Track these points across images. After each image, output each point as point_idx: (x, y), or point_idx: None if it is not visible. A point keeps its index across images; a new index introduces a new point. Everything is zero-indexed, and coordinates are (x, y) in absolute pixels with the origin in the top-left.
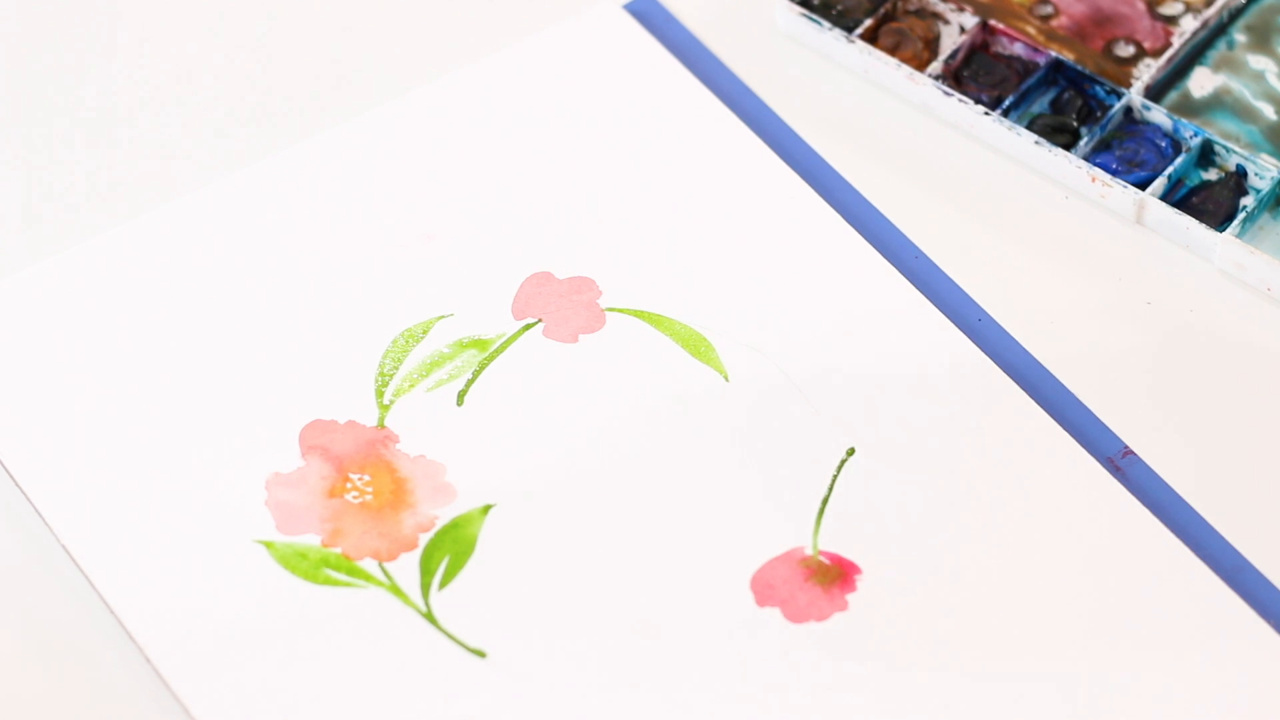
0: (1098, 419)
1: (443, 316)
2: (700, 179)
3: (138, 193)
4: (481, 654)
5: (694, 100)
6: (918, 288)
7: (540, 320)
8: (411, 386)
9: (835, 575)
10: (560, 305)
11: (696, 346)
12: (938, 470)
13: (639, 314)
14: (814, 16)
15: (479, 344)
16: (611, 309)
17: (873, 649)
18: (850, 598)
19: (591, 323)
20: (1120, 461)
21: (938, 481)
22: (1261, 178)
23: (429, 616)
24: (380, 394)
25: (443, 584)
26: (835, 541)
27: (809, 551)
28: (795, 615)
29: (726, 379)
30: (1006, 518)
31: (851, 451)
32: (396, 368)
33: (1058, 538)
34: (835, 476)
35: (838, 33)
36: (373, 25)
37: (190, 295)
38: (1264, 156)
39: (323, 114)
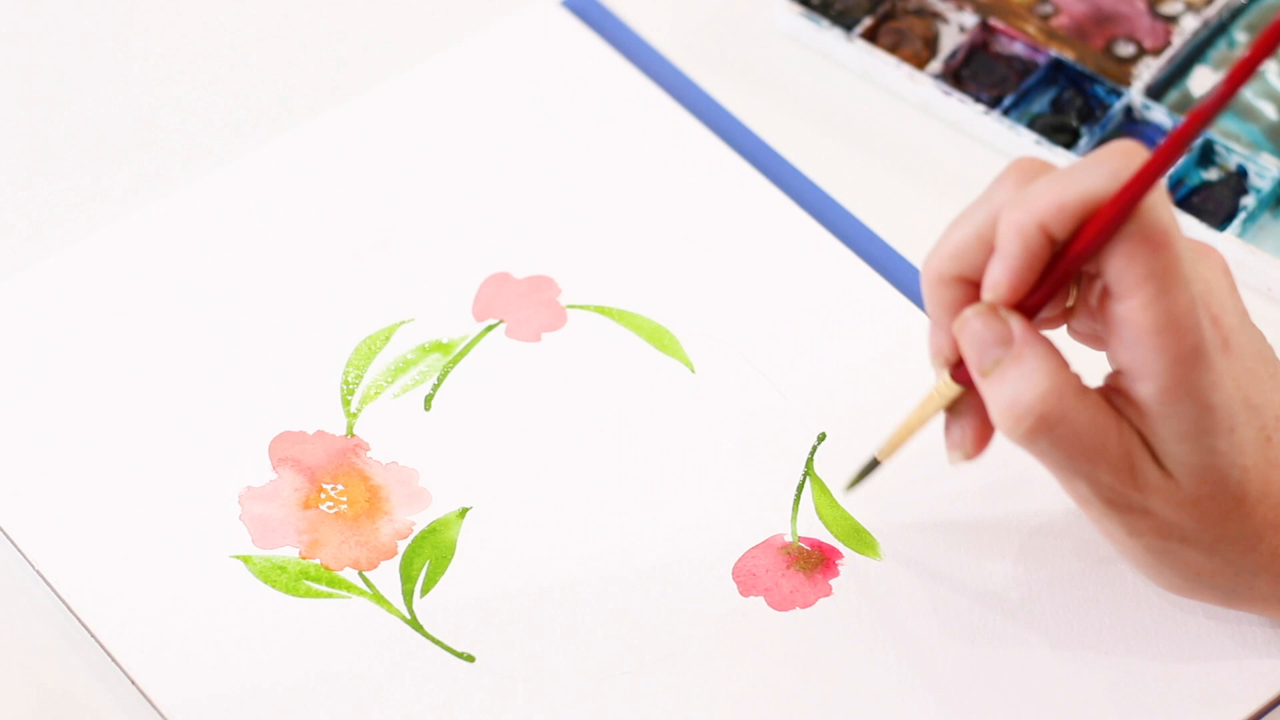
0: None
1: (404, 322)
2: (652, 171)
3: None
4: (470, 658)
5: (640, 94)
6: (887, 276)
7: (502, 321)
8: (378, 393)
9: (817, 561)
10: (521, 305)
11: (660, 339)
12: (909, 451)
13: (600, 310)
14: (814, 15)
15: (442, 347)
16: (572, 306)
17: (861, 633)
18: (834, 583)
19: (553, 321)
20: None
21: (911, 462)
22: (1262, 177)
23: (414, 623)
24: (347, 402)
25: (425, 590)
26: (814, 527)
27: (789, 538)
28: (780, 603)
29: (693, 370)
30: (981, 491)
31: (823, 437)
32: (361, 375)
33: (1033, 507)
34: (809, 462)
35: (837, 32)
36: (311, 33)
37: (143, 314)
38: (1265, 156)
39: (268, 123)
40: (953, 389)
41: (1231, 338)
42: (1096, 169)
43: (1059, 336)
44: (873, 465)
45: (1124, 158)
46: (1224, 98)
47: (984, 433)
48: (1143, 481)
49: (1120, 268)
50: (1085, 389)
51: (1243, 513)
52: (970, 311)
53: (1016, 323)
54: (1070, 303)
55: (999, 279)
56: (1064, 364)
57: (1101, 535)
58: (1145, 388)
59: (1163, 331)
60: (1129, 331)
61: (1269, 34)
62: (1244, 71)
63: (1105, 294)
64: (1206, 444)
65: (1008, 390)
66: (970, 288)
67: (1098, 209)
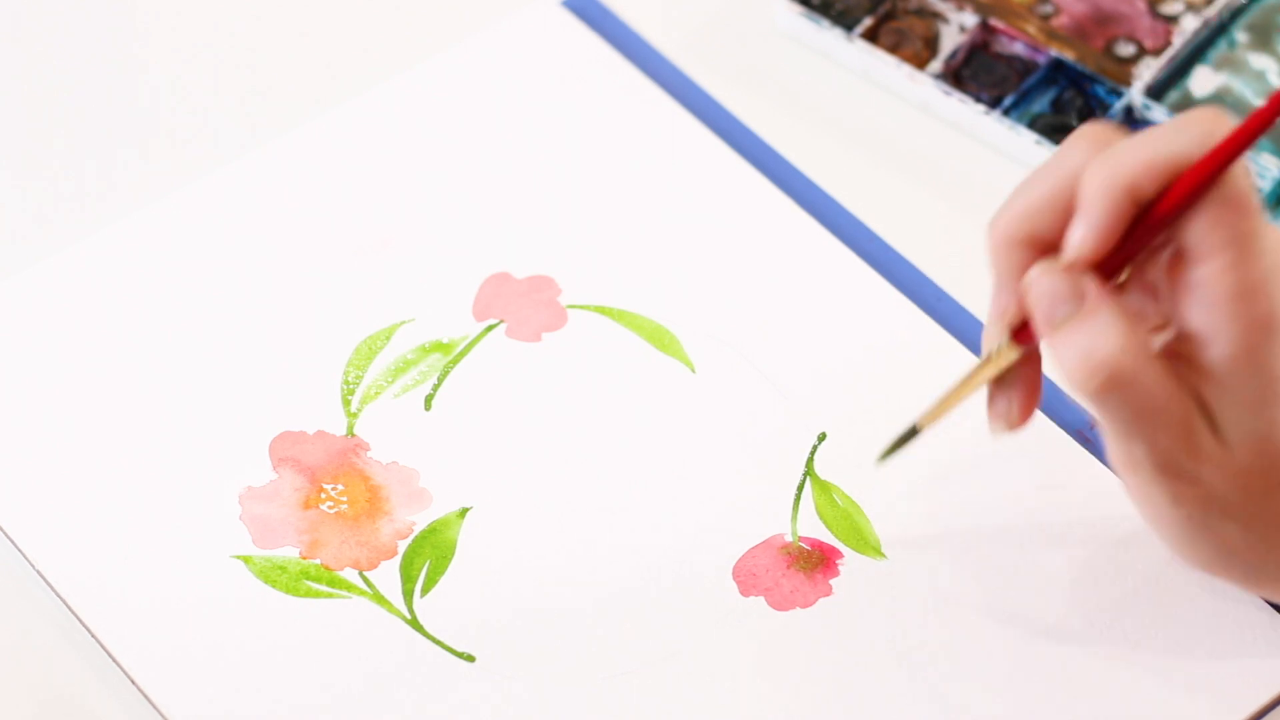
0: (1063, 394)
1: (404, 322)
2: (652, 171)
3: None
4: (470, 658)
5: (640, 94)
6: (887, 276)
7: (502, 321)
8: (378, 393)
9: (817, 561)
10: (521, 305)
11: (660, 339)
12: (910, 451)
13: (600, 310)
14: (814, 15)
15: (442, 347)
16: (573, 306)
17: (861, 633)
18: (834, 582)
19: (553, 321)
20: (1089, 433)
21: (912, 462)
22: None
23: (414, 623)
24: (347, 402)
25: (425, 590)
26: (815, 527)
27: (789, 538)
28: (780, 603)
29: (693, 370)
30: (981, 491)
31: (823, 437)
32: (361, 375)
33: (1032, 507)
34: (809, 462)
35: (838, 32)
36: (311, 32)
37: (143, 314)
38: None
39: (267, 124)
40: (1010, 355)
41: None
42: (1185, 131)
43: None
44: (911, 434)
45: (1212, 122)
46: None
47: (1030, 403)
48: (1198, 449)
49: (1204, 231)
50: (1154, 352)
51: None
52: (1041, 266)
53: (1090, 280)
54: (1123, 278)
55: (1084, 237)
56: (1137, 324)
57: (1137, 505)
58: (1215, 352)
59: (1240, 297)
60: (1206, 295)
61: None
62: None
63: (1178, 259)
64: (1267, 415)
65: (1082, 343)
66: (1037, 250)
67: (1185, 171)
